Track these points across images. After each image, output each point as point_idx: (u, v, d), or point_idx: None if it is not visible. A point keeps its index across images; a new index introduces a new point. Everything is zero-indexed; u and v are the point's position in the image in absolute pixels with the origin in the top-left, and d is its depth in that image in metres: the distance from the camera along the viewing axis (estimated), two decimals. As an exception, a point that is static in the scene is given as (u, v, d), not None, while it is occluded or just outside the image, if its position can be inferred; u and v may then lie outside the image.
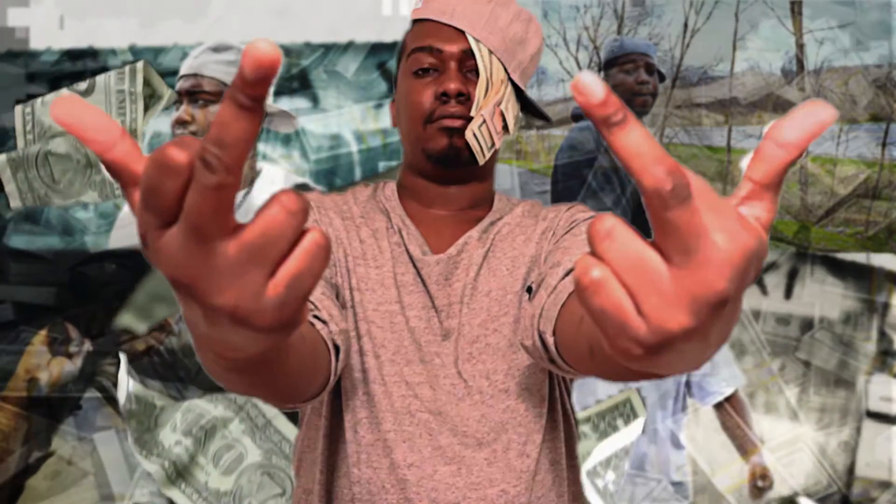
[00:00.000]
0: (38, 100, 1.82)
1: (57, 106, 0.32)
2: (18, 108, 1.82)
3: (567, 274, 0.69)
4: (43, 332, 1.97)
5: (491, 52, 0.84)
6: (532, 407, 0.81)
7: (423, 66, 0.85)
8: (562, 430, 0.84)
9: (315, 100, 2.13)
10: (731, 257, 0.31)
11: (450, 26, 0.84)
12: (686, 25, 2.18)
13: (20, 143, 1.81)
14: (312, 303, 0.70)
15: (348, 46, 2.14)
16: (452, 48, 0.84)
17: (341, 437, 0.81)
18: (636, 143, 0.30)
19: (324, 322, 0.69)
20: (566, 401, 0.86)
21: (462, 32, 0.84)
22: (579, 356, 0.59)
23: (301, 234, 0.32)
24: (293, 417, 1.68)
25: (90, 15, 2.14)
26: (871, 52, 2.14)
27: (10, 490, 1.85)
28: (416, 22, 0.89)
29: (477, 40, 0.84)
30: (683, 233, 0.30)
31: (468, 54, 0.84)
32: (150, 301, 1.77)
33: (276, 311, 0.32)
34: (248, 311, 0.32)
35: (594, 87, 0.30)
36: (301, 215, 0.31)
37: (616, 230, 0.31)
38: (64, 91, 1.84)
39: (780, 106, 2.13)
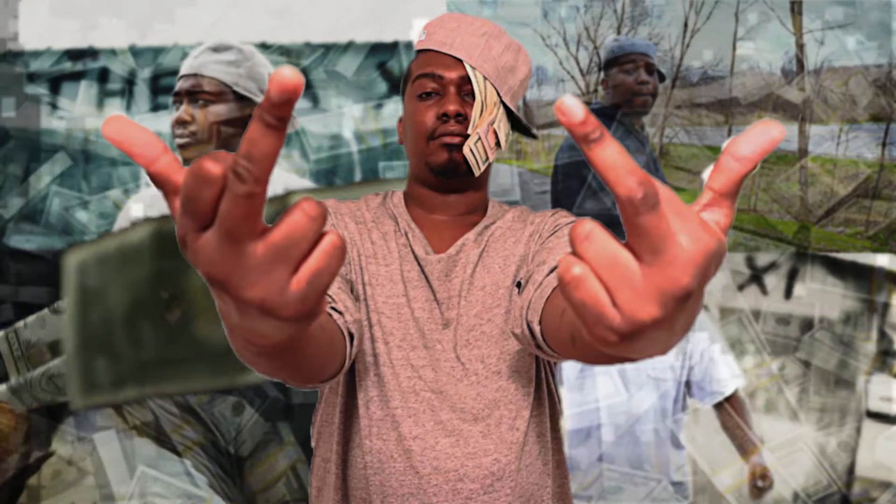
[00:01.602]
0: (21, 323, 1.80)
1: (107, 125, 0.37)
2: (0, 335, 1.80)
3: (551, 271, 0.79)
4: (43, 332, 1.97)
5: (485, 78, 0.96)
6: (521, 387, 0.93)
7: (427, 90, 0.97)
8: (547, 407, 0.95)
9: (315, 100, 2.13)
10: (694, 256, 0.35)
11: (450, 56, 0.97)
12: (686, 25, 2.18)
13: (9, 367, 1.79)
14: (330, 296, 0.80)
15: (348, 46, 2.14)
16: (452, 75, 0.96)
17: (355, 413, 0.92)
18: (611, 157, 0.34)
19: (340, 313, 0.78)
20: (551, 382, 0.98)
21: (460, 61, 0.96)
22: (562, 342, 0.67)
23: (320, 236, 0.36)
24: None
25: (90, 15, 2.14)
26: (871, 52, 2.14)
27: (10, 490, 1.85)
28: (419, 52, 1.01)
29: (473, 68, 0.95)
30: (652, 235, 0.34)
31: (465, 80, 0.96)
32: (90, 373, 1.70)
33: (298, 304, 0.37)
34: (275, 303, 0.36)
35: (575, 108, 0.34)
36: (320, 220, 0.35)
37: (594, 233, 0.35)
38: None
39: (780, 106, 2.12)
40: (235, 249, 0.35)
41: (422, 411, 0.90)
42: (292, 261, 0.36)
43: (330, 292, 0.81)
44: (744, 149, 0.38)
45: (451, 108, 0.93)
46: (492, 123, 0.95)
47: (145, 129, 0.38)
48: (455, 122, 0.94)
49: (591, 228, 0.35)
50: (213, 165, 0.34)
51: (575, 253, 0.36)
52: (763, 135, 0.38)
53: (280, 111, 0.33)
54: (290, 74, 0.32)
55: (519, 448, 0.90)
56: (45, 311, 1.80)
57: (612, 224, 0.34)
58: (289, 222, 0.35)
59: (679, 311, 0.36)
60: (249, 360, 0.53)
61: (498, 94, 0.97)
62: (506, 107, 0.99)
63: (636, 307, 0.35)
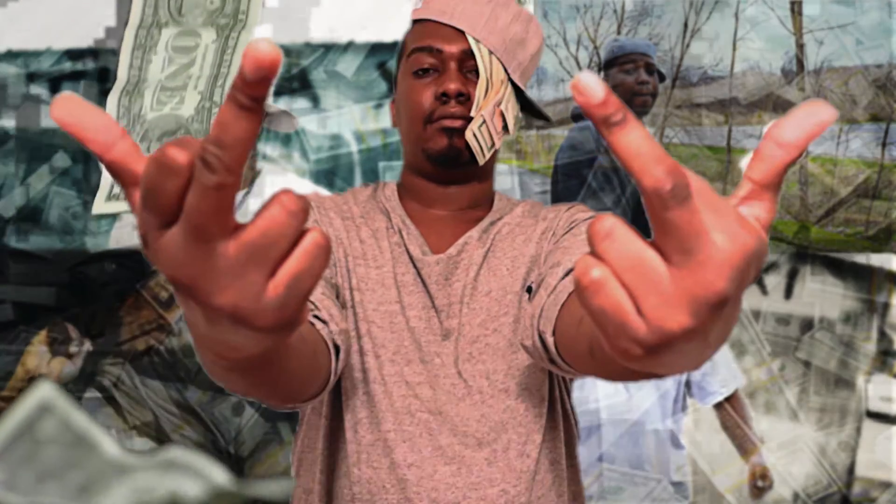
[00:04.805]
0: None
1: (56, 106, 0.32)
2: None
3: (567, 274, 0.69)
4: (43, 332, 1.97)
5: (491, 52, 0.84)
6: (532, 407, 0.81)
7: (423, 67, 0.85)
8: (562, 430, 0.84)
9: (315, 100, 2.13)
10: (731, 257, 0.31)
11: (450, 26, 0.84)
12: (686, 25, 2.17)
13: None
14: (313, 303, 0.70)
15: (348, 46, 2.13)
16: (452, 48, 0.84)
17: (341, 437, 0.81)
18: (636, 143, 0.30)
19: (324, 322, 0.68)
20: (566, 401, 0.86)
21: (462, 33, 0.84)
22: (579, 356, 0.59)
23: (301, 234, 0.32)
24: None
25: (90, 15, 2.14)
26: (871, 52, 2.14)
27: (10, 490, 1.85)
28: (415, 22, 0.88)
29: (477, 40, 0.83)
30: (683, 233, 0.30)
31: (468, 54, 0.84)
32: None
33: (276, 311, 0.32)
34: (249, 311, 0.32)
35: (594, 87, 0.29)
36: (301, 215, 0.31)
37: (616, 230, 0.31)
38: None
39: (780, 106, 2.12)
40: (204, 249, 0.31)
41: (418, 435, 0.78)
42: (269, 262, 0.31)
43: (312, 298, 0.70)
44: (788, 133, 0.33)
45: (452, 86, 0.82)
46: (498, 104, 0.83)
47: (100, 110, 0.33)
48: (456, 103, 0.83)
49: (612, 225, 0.31)
50: (178, 153, 0.30)
51: (594, 253, 0.32)
52: (810, 117, 0.33)
53: (254, 90, 0.28)
54: (265, 48, 0.28)
55: (530, 478, 0.79)
56: None
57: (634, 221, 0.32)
58: (265, 218, 0.30)
59: (713, 320, 0.32)
60: (220, 376, 0.47)
61: (506, 70, 0.85)
62: (514, 85, 0.87)
63: (664, 315, 0.31)
